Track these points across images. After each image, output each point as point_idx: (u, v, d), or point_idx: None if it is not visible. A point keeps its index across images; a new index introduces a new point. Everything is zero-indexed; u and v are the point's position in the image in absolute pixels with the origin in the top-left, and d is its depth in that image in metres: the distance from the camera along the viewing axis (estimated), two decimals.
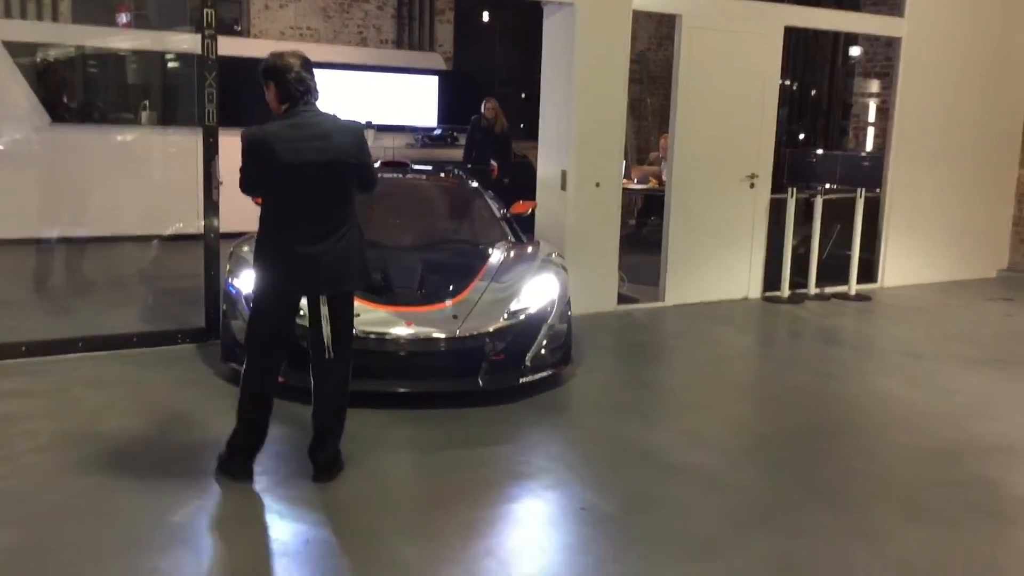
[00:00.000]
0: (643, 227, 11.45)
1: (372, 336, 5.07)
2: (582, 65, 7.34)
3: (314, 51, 11.02)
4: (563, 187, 7.52)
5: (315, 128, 3.87)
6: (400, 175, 7.11)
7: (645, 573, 3.40)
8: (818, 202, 8.70)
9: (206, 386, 5.30)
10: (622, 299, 8.02)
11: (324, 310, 3.98)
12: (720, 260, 8.37)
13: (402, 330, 5.14)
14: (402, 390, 5.14)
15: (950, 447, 4.87)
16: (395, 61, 11.96)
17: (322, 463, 4.06)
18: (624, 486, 4.21)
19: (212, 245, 6.06)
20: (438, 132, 11.72)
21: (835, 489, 4.28)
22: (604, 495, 4.10)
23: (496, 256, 6.04)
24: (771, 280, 8.61)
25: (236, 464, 4.02)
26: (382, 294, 5.41)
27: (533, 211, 7.75)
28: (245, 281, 5.27)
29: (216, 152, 5.97)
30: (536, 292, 5.58)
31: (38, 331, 5.90)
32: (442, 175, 7.43)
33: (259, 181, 3.91)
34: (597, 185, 7.54)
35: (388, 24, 12.12)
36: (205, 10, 5.85)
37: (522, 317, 5.40)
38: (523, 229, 7.81)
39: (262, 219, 3.97)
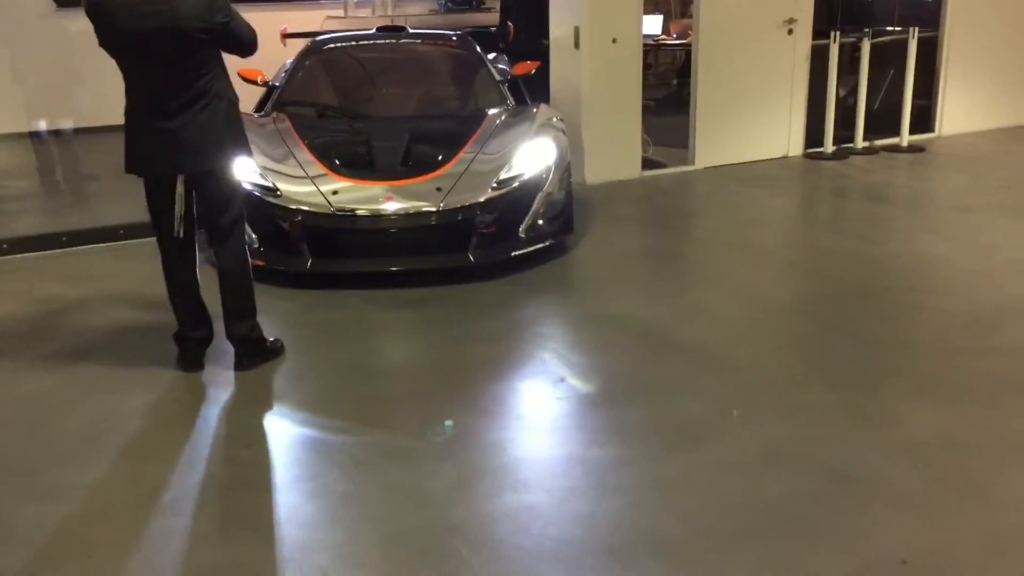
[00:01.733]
0: (685, 87, 10.75)
1: (350, 214, 4.82)
2: None
3: None
4: (576, 45, 6.94)
5: None
6: (393, 41, 6.65)
7: (612, 466, 3.08)
8: (865, 46, 7.91)
9: None
10: (648, 164, 7.50)
11: (180, 188, 3.73)
12: (756, 116, 7.72)
13: (384, 205, 4.85)
14: (391, 269, 4.89)
15: (986, 311, 4.37)
16: None
17: (236, 350, 3.92)
18: (611, 367, 3.87)
19: None
20: None
21: (845, 364, 3.86)
22: (588, 377, 3.78)
23: (489, 122, 5.63)
24: (814, 136, 7.96)
25: (184, 355, 3.91)
26: (362, 168, 5.13)
27: (544, 75, 7.25)
28: None
29: None
30: (530, 158, 5.20)
31: (34, 226, 5.75)
32: (439, 39, 6.91)
33: (109, 51, 3.62)
34: (614, 41, 6.93)
35: None
36: None
37: (515, 186, 5.06)
38: (539, 94, 7.36)
39: (125, 95, 3.69)
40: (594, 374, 3.83)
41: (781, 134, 7.90)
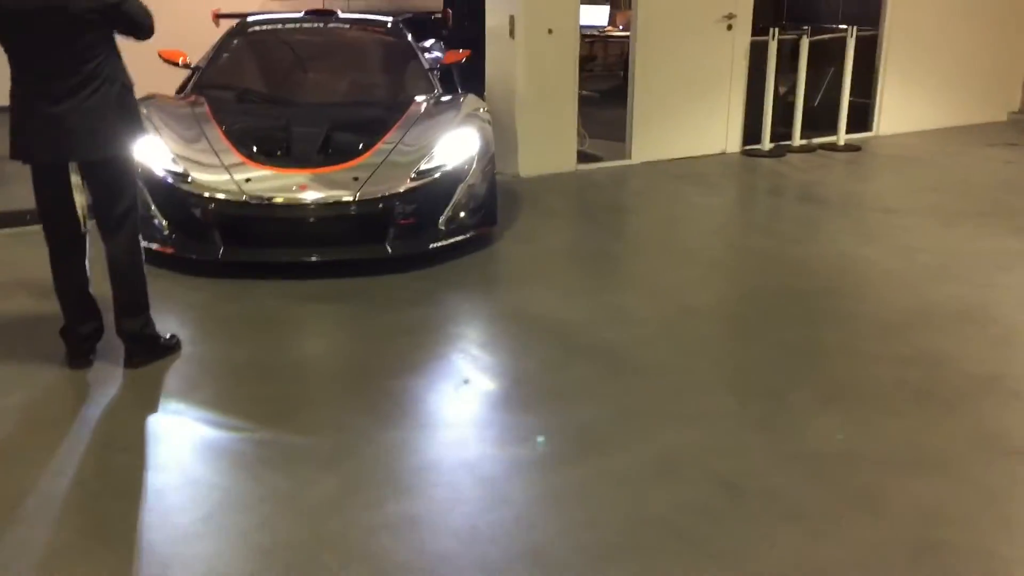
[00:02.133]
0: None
1: (263, 202, 4.70)
2: None
3: None
4: (511, 35, 6.82)
5: None
6: (320, 25, 6.50)
7: (503, 475, 2.98)
8: (804, 43, 7.90)
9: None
10: (585, 158, 7.43)
11: (75, 178, 3.61)
12: (694, 112, 7.69)
13: (299, 194, 4.72)
14: (304, 259, 4.77)
15: (899, 315, 4.35)
16: None
17: (126, 346, 3.75)
18: (519, 370, 3.78)
19: None
20: None
21: (755, 370, 3.81)
22: (494, 379, 3.68)
23: (413, 111, 5.51)
24: (752, 132, 7.94)
25: (71, 351, 3.74)
26: (279, 156, 4.98)
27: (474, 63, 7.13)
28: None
29: None
30: (452, 149, 5.10)
31: None
32: (369, 24, 6.75)
33: None
34: (550, 32, 6.84)
35: None
36: None
37: (435, 176, 4.97)
38: (476, 84, 7.24)
39: (11, 77, 3.52)
40: (500, 376, 3.73)
41: (719, 130, 7.87)
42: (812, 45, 7.92)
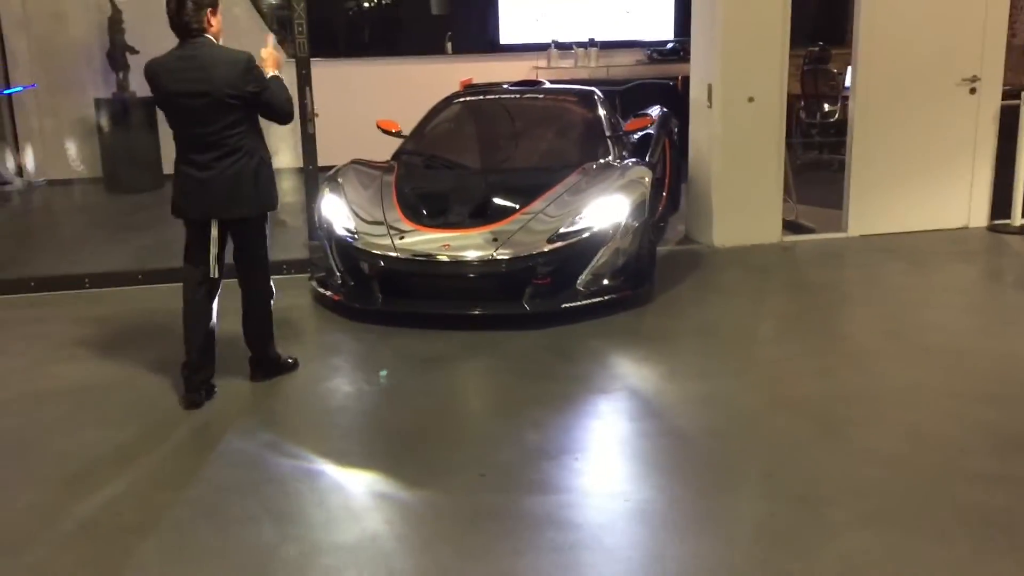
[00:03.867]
0: None
1: (412, 258, 5.17)
2: None
3: None
4: (709, 104, 6.71)
5: (196, 60, 4.06)
6: (517, 96, 6.89)
7: None
8: None
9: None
10: (793, 228, 7.07)
11: (213, 232, 4.19)
12: (928, 181, 7.02)
13: (441, 253, 5.15)
14: (447, 312, 5.16)
15: None
16: None
17: (256, 364, 4.48)
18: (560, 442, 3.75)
19: (311, 176, 6.24)
20: (670, 46, 10.95)
21: (795, 479, 3.47)
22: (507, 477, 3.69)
23: (574, 176, 5.71)
24: (1003, 206, 7.08)
25: (187, 388, 4.25)
26: (434, 217, 5.44)
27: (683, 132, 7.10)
28: (326, 207, 5.64)
29: (309, 84, 6.08)
30: (599, 214, 5.28)
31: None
32: (562, 93, 7.00)
33: (160, 109, 4.24)
34: (750, 100, 6.63)
35: None
36: None
37: (578, 239, 5.18)
38: (680, 153, 7.22)
39: (175, 148, 4.24)
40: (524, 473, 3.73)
41: (960, 202, 7.12)
42: None
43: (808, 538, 3.05)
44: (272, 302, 4.45)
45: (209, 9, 4.09)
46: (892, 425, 3.88)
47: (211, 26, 4.11)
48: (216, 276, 4.25)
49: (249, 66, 4.07)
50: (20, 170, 9.76)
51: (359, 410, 4.29)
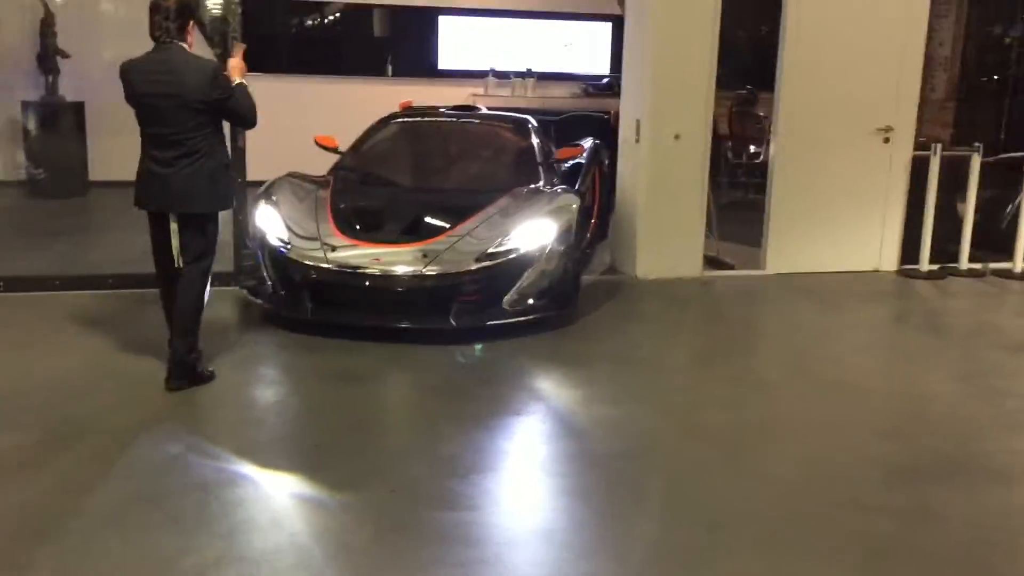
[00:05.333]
0: None
1: (343, 270, 5.26)
2: None
3: None
4: (636, 138, 6.89)
5: (168, 64, 4.32)
6: (454, 119, 7.08)
7: None
8: (975, 162, 7.27)
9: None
10: (714, 264, 7.26)
11: (173, 226, 4.42)
12: (843, 224, 7.29)
13: (372, 267, 5.25)
14: (368, 324, 5.23)
15: (926, 463, 3.90)
16: (565, 7, 11.54)
17: (170, 367, 4.45)
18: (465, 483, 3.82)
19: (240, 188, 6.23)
20: (604, 81, 11.20)
21: (701, 501, 3.58)
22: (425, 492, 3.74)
23: (505, 199, 5.85)
24: (913, 251, 7.38)
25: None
26: (367, 231, 5.55)
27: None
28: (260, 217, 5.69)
29: None
30: (526, 236, 5.44)
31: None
32: (497, 119, 7.21)
33: (129, 103, 4.43)
34: (676, 137, 6.82)
35: None
36: None
37: (505, 260, 5.33)
38: (610, 184, 7.39)
39: (140, 144, 4.47)
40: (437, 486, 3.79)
41: (872, 246, 7.41)
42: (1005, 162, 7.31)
43: (701, 559, 3.15)
44: (205, 301, 4.56)
45: (188, 21, 4.36)
46: (791, 454, 4.03)
47: (187, 35, 4.38)
48: (181, 266, 4.45)
49: (216, 74, 4.33)
50: None
51: (276, 421, 4.30)
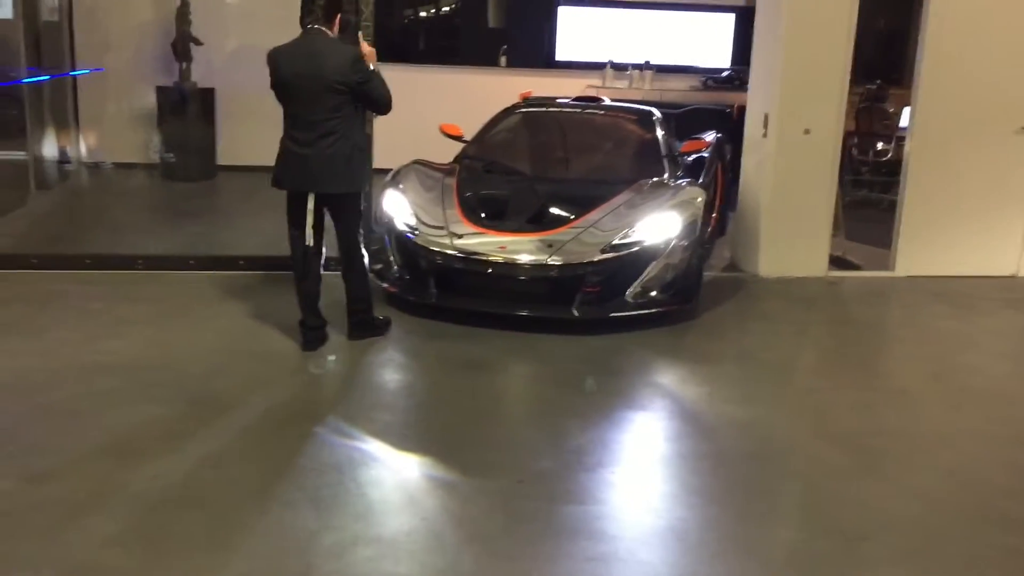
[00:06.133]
0: None
1: (469, 257, 5.32)
2: None
3: None
4: (764, 133, 6.72)
5: (311, 48, 4.57)
6: (579, 110, 7.06)
7: None
8: None
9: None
10: (840, 264, 7.04)
11: (310, 204, 4.67)
12: (979, 228, 6.96)
13: (498, 254, 5.30)
14: (498, 312, 5.28)
15: None
16: None
17: (353, 325, 4.93)
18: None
19: None
20: (725, 74, 10.96)
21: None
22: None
23: (631, 191, 5.84)
24: None
25: (305, 337, 4.84)
26: (493, 219, 5.60)
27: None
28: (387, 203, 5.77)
29: None
30: (651, 229, 5.42)
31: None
32: (622, 111, 7.14)
33: (274, 88, 4.67)
34: (806, 132, 6.62)
35: None
36: None
37: (629, 252, 5.32)
38: (732, 178, 7.25)
39: (283, 125, 4.72)
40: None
41: (1011, 251, 7.05)
42: None
43: (842, 569, 3.05)
44: (367, 267, 4.96)
45: (336, 11, 4.63)
46: (931, 464, 3.87)
47: (333, 24, 4.61)
48: (311, 244, 4.69)
49: (357, 58, 4.54)
50: (77, 152, 9.96)
51: (404, 407, 4.36)
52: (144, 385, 4.33)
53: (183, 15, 9.62)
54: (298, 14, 4.64)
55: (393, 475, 3.61)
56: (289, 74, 4.55)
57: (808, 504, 3.51)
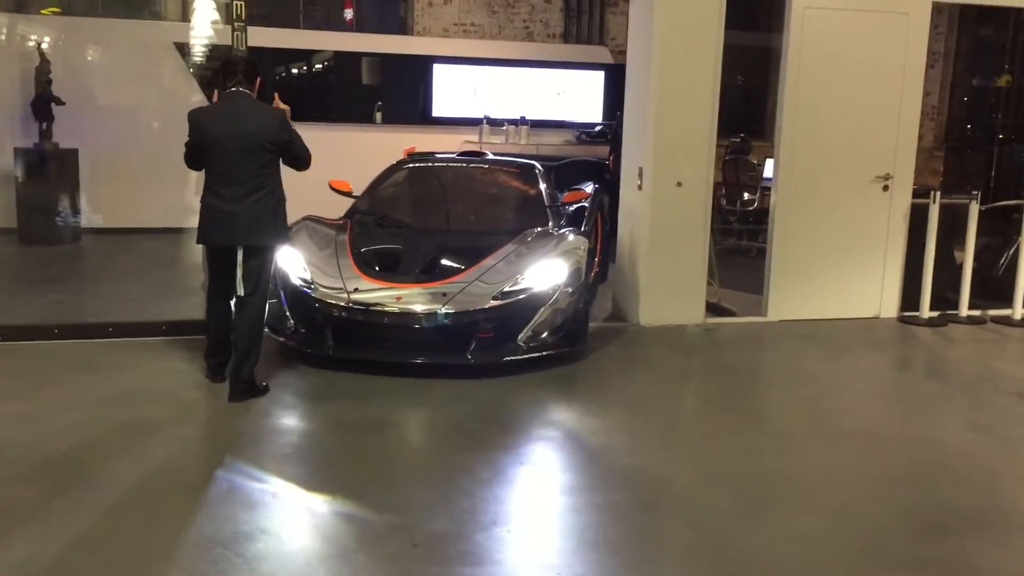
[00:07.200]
0: None
1: (364, 308, 5.39)
2: (662, 35, 6.63)
3: (477, 47, 11.25)
4: (639, 186, 6.91)
5: (238, 109, 4.86)
6: (464, 164, 7.31)
7: None
8: (973, 209, 7.33)
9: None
10: (716, 311, 7.25)
11: (239, 257, 4.84)
12: (844, 272, 7.30)
13: (393, 305, 5.40)
14: (394, 360, 5.39)
15: (952, 515, 3.85)
16: (559, 56, 11.65)
17: (233, 386, 4.90)
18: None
19: None
20: (598, 128, 11.27)
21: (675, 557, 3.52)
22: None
23: (518, 241, 6.03)
24: (913, 298, 7.41)
25: (210, 369, 5.18)
26: (387, 271, 5.72)
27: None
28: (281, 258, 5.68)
29: None
30: (539, 276, 5.61)
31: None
32: (505, 165, 7.38)
33: (197, 149, 4.87)
34: (679, 185, 6.84)
35: (556, 18, 11.81)
36: (235, 2, 5.97)
37: (519, 298, 5.48)
38: (609, 228, 7.44)
39: (204, 183, 4.92)
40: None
41: (872, 293, 7.41)
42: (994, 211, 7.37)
43: None
44: (264, 326, 5.07)
45: (255, 75, 4.98)
46: (815, 505, 3.97)
47: (253, 86, 4.95)
48: (241, 295, 4.86)
49: (284, 119, 4.89)
50: None
51: (294, 473, 4.14)
52: (5, 463, 4.05)
53: (42, 74, 9.26)
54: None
55: (283, 547, 3.46)
56: (219, 134, 4.77)
57: (698, 550, 3.55)
